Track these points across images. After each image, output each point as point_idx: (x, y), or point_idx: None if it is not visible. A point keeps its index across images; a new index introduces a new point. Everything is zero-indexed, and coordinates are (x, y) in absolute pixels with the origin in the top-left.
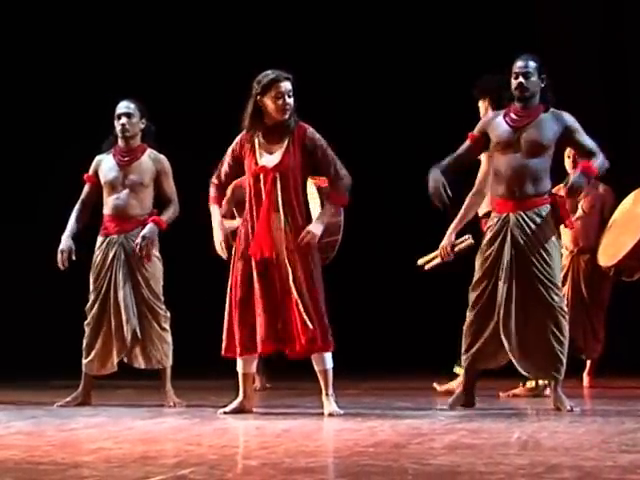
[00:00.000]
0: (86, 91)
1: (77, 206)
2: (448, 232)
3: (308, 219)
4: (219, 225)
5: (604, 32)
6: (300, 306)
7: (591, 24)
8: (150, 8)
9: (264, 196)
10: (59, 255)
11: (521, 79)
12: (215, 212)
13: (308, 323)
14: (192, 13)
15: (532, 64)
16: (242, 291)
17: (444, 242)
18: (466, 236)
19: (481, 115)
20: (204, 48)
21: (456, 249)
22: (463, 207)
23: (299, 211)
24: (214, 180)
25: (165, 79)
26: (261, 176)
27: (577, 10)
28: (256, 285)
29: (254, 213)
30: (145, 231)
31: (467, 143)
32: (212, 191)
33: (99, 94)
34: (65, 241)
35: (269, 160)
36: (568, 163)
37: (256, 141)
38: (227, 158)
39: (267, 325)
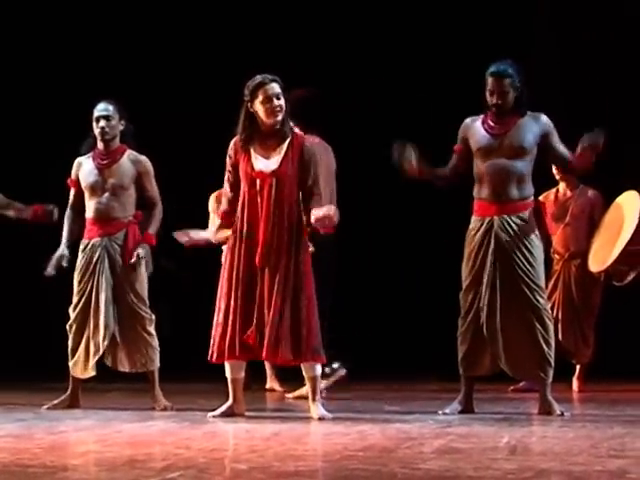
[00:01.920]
0: (68, 91)
1: (68, 212)
2: None
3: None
4: (211, 232)
5: (601, 29)
6: (287, 317)
7: (588, 22)
8: (131, 8)
9: (261, 202)
10: (53, 260)
11: (496, 100)
12: (217, 225)
13: (298, 333)
14: (173, 14)
15: (507, 81)
16: (231, 297)
17: None
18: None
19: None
20: (189, 49)
21: None
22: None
23: (290, 221)
24: (225, 191)
25: (149, 79)
26: (257, 181)
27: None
28: (245, 292)
29: (247, 219)
30: (141, 252)
31: (454, 155)
32: (223, 203)
33: (81, 94)
34: (62, 249)
35: (266, 165)
36: (557, 170)
37: (251, 146)
38: (227, 167)
39: (250, 333)
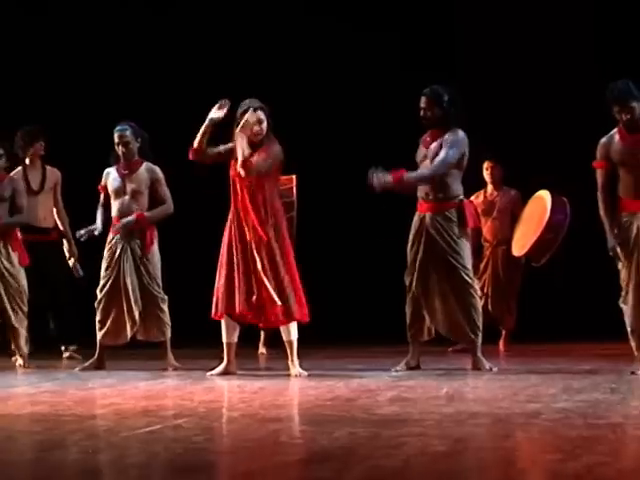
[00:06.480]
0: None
1: (100, 209)
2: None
3: None
4: None
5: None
6: (272, 283)
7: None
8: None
9: (240, 194)
10: (88, 228)
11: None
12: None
13: (277, 298)
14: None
15: (424, 98)
16: (227, 265)
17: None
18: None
19: None
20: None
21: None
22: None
23: (269, 206)
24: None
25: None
26: (237, 178)
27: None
28: (239, 262)
29: (236, 205)
30: (124, 220)
31: None
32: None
33: (105, 114)
34: (98, 224)
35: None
36: (486, 175)
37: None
38: (230, 145)
39: (244, 295)
